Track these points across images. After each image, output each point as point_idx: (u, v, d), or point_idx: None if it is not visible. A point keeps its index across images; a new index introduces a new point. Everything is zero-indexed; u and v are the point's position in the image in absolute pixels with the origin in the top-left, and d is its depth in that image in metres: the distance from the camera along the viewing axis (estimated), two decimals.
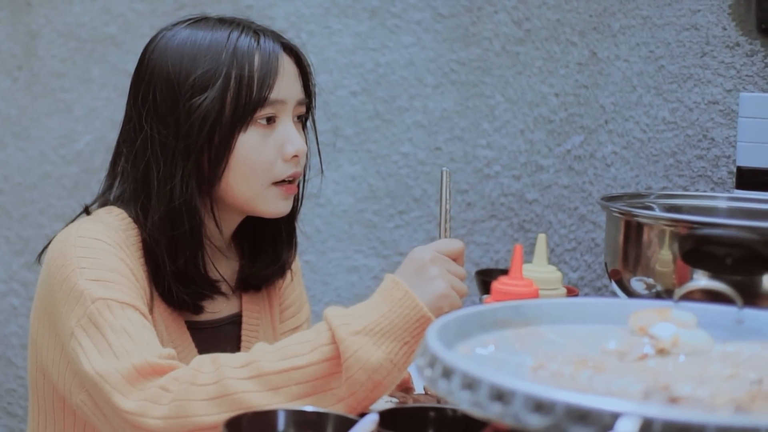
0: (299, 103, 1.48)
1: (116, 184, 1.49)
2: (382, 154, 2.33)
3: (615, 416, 0.72)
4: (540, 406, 0.75)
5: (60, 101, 2.43)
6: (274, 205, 1.46)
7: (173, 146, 1.41)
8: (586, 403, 0.74)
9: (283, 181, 1.45)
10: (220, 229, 1.48)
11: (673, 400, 0.82)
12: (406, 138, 2.33)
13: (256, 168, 1.42)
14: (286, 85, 1.44)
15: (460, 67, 2.29)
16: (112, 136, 2.38)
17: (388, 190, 2.34)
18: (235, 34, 1.43)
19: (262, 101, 1.41)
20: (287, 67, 1.46)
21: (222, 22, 1.47)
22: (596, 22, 2.23)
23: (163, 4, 2.36)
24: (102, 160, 2.42)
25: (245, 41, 1.43)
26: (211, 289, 1.49)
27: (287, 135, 1.44)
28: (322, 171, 1.62)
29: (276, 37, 1.47)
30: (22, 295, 2.47)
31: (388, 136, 2.33)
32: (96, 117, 2.42)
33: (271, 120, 1.43)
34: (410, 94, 2.31)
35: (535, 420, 0.75)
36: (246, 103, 1.40)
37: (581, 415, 0.73)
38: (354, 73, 2.33)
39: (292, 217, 1.57)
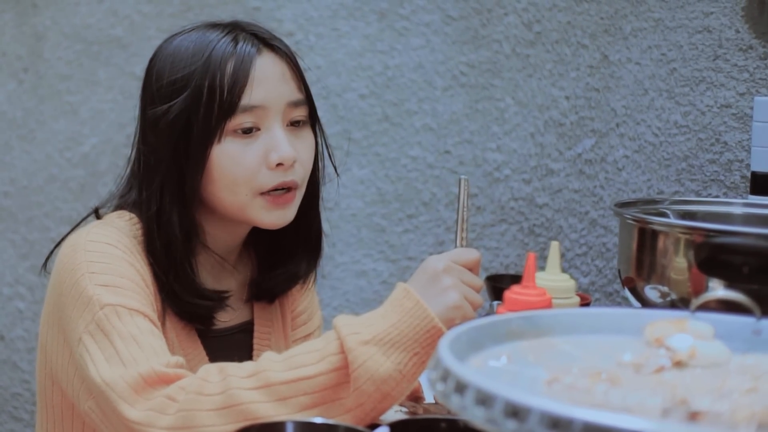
0: (291, 105, 1.41)
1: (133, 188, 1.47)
2: (391, 157, 2.32)
3: None
4: (557, 423, 0.73)
5: (66, 104, 2.41)
6: (263, 216, 1.41)
7: (149, 159, 1.40)
8: (604, 420, 0.72)
9: (274, 190, 1.40)
10: (224, 239, 1.46)
11: (693, 415, 0.80)
12: (415, 141, 2.31)
13: (237, 179, 1.38)
14: (266, 89, 1.38)
15: (469, 69, 2.27)
16: (119, 138, 2.39)
17: (397, 194, 2.32)
18: (214, 41, 1.38)
19: (232, 109, 1.36)
20: (267, 69, 1.39)
21: (214, 27, 1.42)
22: (607, 24, 2.21)
23: (169, 6, 2.35)
24: (108, 163, 2.41)
25: (221, 48, 1.38)
26: (215, 300, 1.45)
27: (273, 142, 1.38)
28: (337, 174, 1.58)
29: (258, 40, 1.41)
30: (27, 299, 2.46)
31: (396, 140, 2.31)
32: (102, 119, 2.40)
33: (252, 129, 1.38)
34: (419, 97, 2.30)
35: None
36: (217, 112, 1.36)
37: None
38: (362, 76, 2.31)
39: (308, 224, 1.53)
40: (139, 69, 2.42)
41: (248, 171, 1.38)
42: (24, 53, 2.42)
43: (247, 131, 1.38)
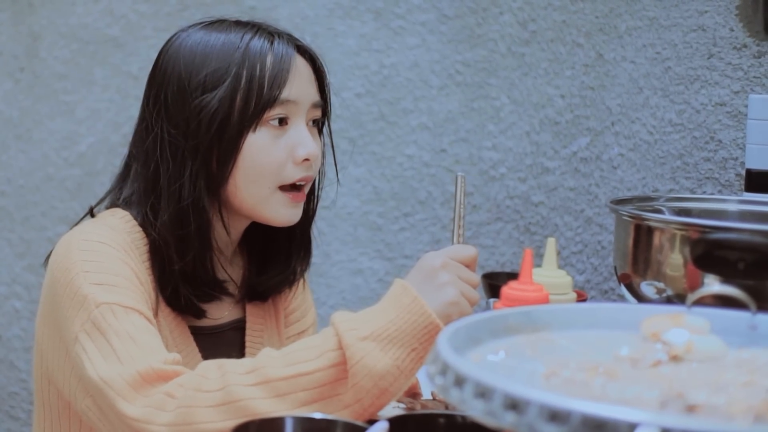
0: (314, 106, 1.46)
1: (127, 184, 1.47)
2: (387, 156, 2.32)
3: (632, 426, 0.71)
4: (555, 415, 0.74)
5: (62, 103, 2.41)
6: (280, 212, 1.44)
7: (182, 146, 1.40)
8: (602, 412, 0.72)
9: (292, 186, 1.43)
10: (228, 232, 1.47)
11: (690, 408, 0.81)
12: (411, 140, 2.31)
13: (264, 170, 1.41)
14: (299, 87, 1.43)
15: (465, 68, 2.28)
16: (115, 138, 2.39)
17: (393, 193, 2.33)
18: (248, 36, 1.43)
19: (272, 101, 1.40)
20: (301, 69, 1.44)
21: (238, 24, 1.46)
22: (602, 23, 2.22)
23: (166, 6, 2.35)
24: (105, 162, 2.42)
25: (258, 42, 1.42)
26: (219, 289, 1.47)
27: (299, 137, 1.42)
28: (338, 180, 1.60)
29: (291, 39, 1.46)
30: (24, 298, 2.46)
31: (392, 138, 2.32)
32: (98, 119, 2.40)
33: (282, 121, 1.42)
34: (415, 96, 2.30)
35: (550, 430, 0.74)
36: (256, 102, 1.39)
37: (597, 425, 0.72)
38: (358, 75, 2.31)
39: (306, 225, 1.55)
40: (136, 68, 2.43)
41: (276, 162, 1.41)
42: (20, 53, 2.42)
43: (281, 122, 1.42)
